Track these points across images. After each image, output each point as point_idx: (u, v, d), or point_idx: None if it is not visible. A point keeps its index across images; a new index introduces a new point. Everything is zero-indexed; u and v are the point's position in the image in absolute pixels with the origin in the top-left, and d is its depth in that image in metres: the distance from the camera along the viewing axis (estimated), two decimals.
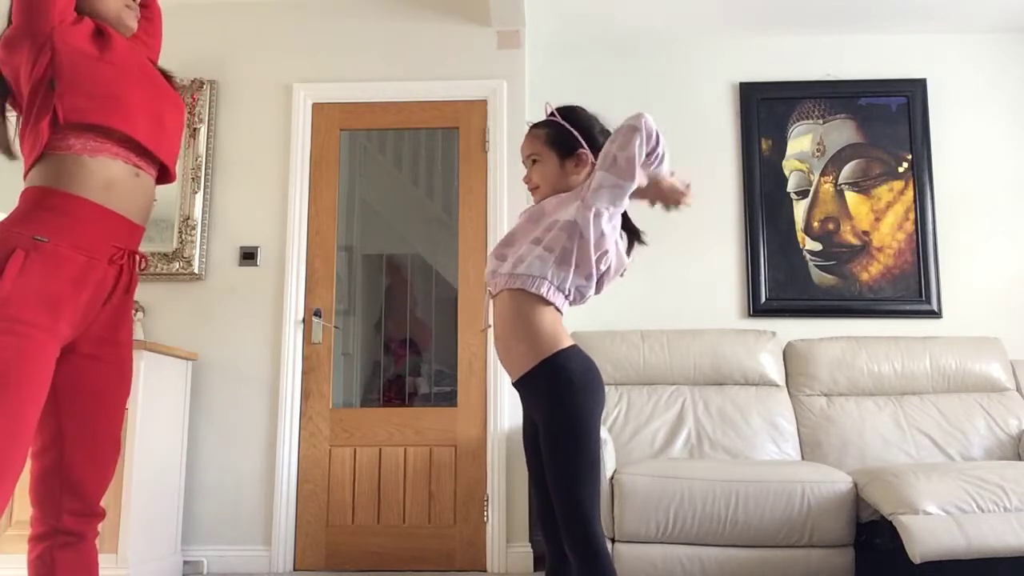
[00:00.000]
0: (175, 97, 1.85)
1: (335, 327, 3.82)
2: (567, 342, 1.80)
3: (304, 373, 3.76)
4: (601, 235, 1.77)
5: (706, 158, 4.16)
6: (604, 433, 3.06)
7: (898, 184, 4.10)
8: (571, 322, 1.87)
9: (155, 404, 3.35)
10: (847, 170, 4.13)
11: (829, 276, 4.06)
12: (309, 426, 3.72)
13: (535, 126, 1.96)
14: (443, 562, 3.59)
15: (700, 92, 4.24)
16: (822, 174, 4.13)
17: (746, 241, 4.09)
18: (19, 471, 1.50)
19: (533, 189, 1.94)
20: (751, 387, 3.73)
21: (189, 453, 3.65)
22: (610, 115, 1.98)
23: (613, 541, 2.97)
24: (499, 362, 2.02)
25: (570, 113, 1.93)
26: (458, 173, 3.90)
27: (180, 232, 3.83)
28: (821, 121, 4.18)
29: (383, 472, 3.67)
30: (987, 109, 4.17)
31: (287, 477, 3.65)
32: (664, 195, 1.89)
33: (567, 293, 1.81)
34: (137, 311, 3.67)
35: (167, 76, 1.87)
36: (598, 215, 1.76)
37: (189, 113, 3.86)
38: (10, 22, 1.68)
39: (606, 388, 3.36)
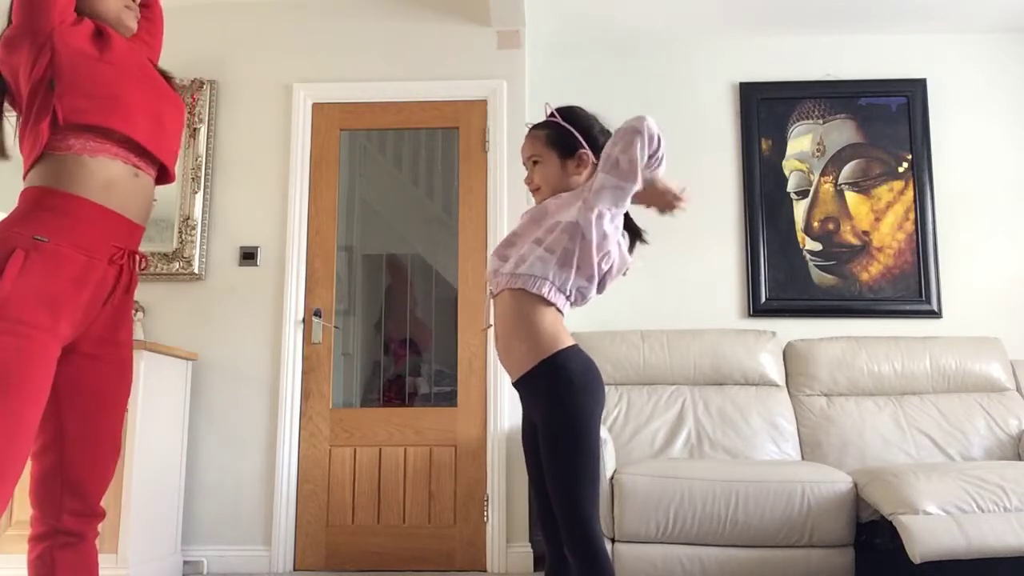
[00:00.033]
0: (175, 98, 1.85)
1: (335, 327, 3.82)
2: (568, 342, 1.80)
3: (304, 373, 3.76)
4: (604, 236, 1.78)
5: (706, 158, 4.16)
6: (604, 433, 3.06)
7: (898, 184, 4.10)
8: (571, 322, 1.87)
9: (155, 404, 3.35)
10: (847, 170, 4.13)
11: (829, 276, 4.06)
12: (309, 426, 3.72)
13: (535, 127, 1.96)
14: (443, 562, 3.60)
15: (700, 92, 4.24)
16: (822, 174, 4.13)
17: (746, 241, 4.09)
18: (20, 472, 1.50)
19: (534, 190, 1.94)
20: (751, 387, 3.73)
21: (189, 453, 3.65)
22: (610, 115, 1.98)
23: (613, 541, 2.97)
24: (499, 362, 2.02)
25: (570, 113, 1.93)
26: (458, 173, 3.90)
27: (180, 232, 3.83)
28: (821, 121, 4.18)
29: (383, 472, 3.67)
30: (987, 109, 4.17)
31: (287, 477, 3.65)
32: (658, 198, 1.89)
33: (568, 294, 1.81)
34: (137, 311, 3.67)
35: (167, 77, 1.87)
36: (600, 216, 1.76)
37: (189, 113, 3.86)
38: (10, 22, 1.68)
39: (606, 388, 3.36)
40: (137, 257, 1.73)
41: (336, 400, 3.78)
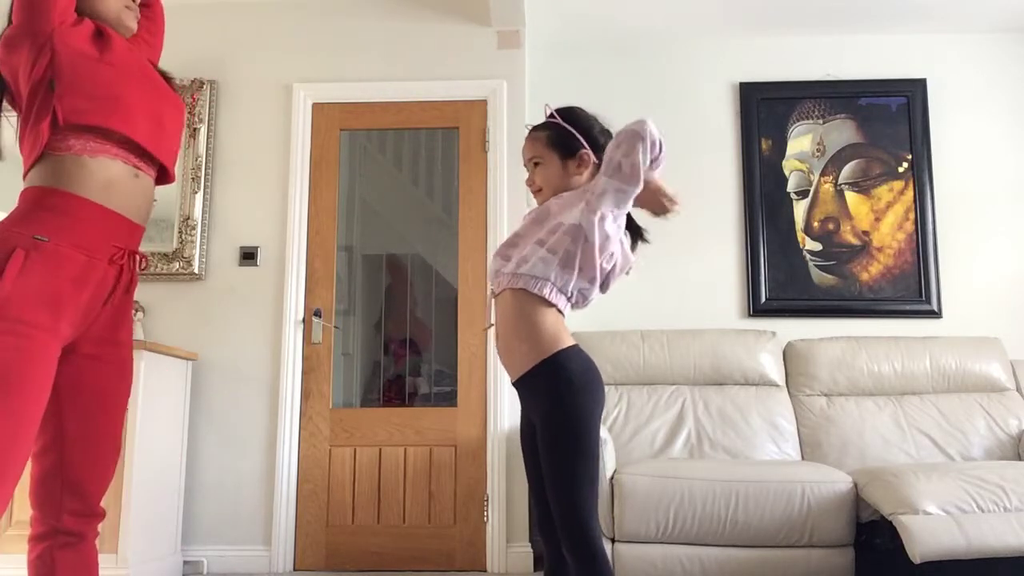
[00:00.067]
0: (175, 98, 1.85)
1: (335, 327, 3.82)
2: (568, 342, 1.80)
3: (304, 373, 3.76)
4: (606, 238, 1.78)
5: (706, 158, 4.16)
6: (604, 433, 3.06)
7: (898, 184, 4.10)
8: (571, 322, 1.87)
9: (155, 404, 3.35)
10: (847, 170, 4.13)
11: (829, 276, 4.06)
12: (309, 426, 3.72)
13: (535, 128, 1.96)
14: (443, 562, 3.60)
15: (700, 92, 4.24)
16: (822, 174, 4.13)
17: (746, 241, 4.09)
18: (20, 472, 1.50)
19: (536, 192, 1.95)
20: (751, 387, 3.73)
21: (189, 453, 3.65)
22: (610, 115, 1.98)
23: (613, 541, 2.97)
24: (499, 362, 2.02)
25: (570, 114, 1.93)
26: (458, 173, 3.90)
27: (180, 232, 3.83)
28: (821, 121, 4.18)
29: (383, 472, 3.67)
30: (987, 109, 4.17)
31: (287, 477, 3.65)
32: (651, 198, 1.87)
33: (569, 295, 1.82)
34: (137, 311, 3.67)
35: (167, 77, 1.87)
36: (603, 219, 1.76)
37: (189, 113, 3.86)
38: (10, 22, 1.68)
39: (606, 388, 3.36)
40: (137, 257, 1.73)
41: (336, 400, 3.78)
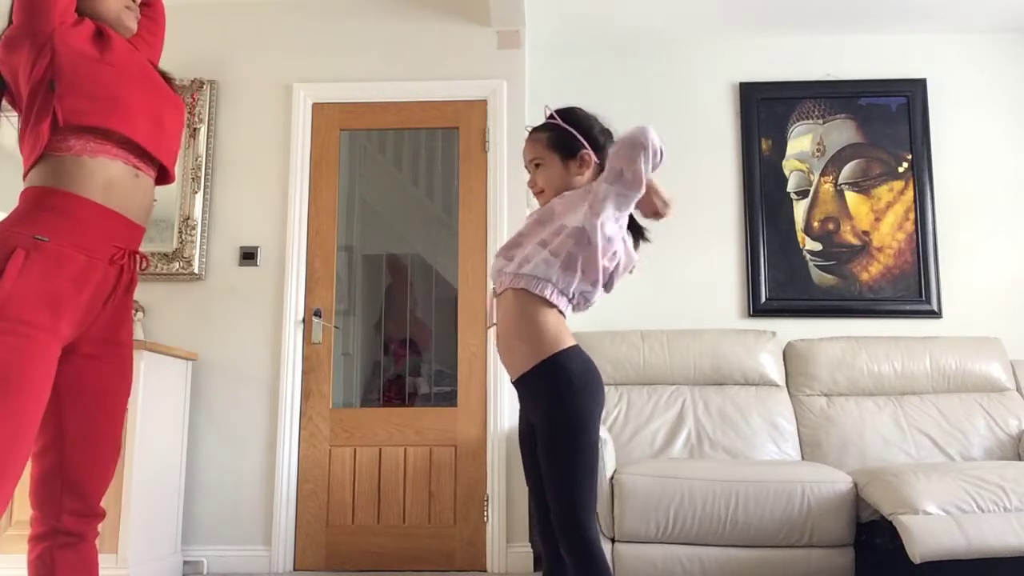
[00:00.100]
0: (175, 99, 1.85)
1: (335, 327, 3.82)
2: (569, 342, 1.80)
3: (304, 373, 3.76)
4: (609, 240, 1.78)
5: (706, 158, 4.16)
6: (604, 433, 3.06)
7: (898, 184, 4.10)
8: (571, 322, 1.87)
9: (155, 404, 3.35)
10: (847, 170, 4.13)
11: (829, 276, 4.06)
12: (309, 426, 3.72)
13: (535, 130, 1.96)
14: (443, 562, 3.60)
15: (700, 92, 4.24)
16: (822, 174, 4.13)
17: (746, 241, 4.09)
18: (20, 472, 1.50)
19: (538, 193, 1.94)
20: (751, 387, 3.73)
21: (189, 453, 3.65)
22: (610, 115, 1.98)
23: (613, 541, 2.97)
24: (499, 362, 2.02)
25: (570, 115, 1.93)
26: (458, 173, 3.90)
27: (180, 232, 3.83)
28: (821, 121, 4.18)
29: (383, 472, 3.67)
30: (987, 109, 4.17)
31: (287, 477, 3.65)
32: (646, 199, 1.86)
33: (571, 297, 1.82)
34: (137, 311, 3.67)
35: (167, 78, 1.87)
36: (605, 223, 1.76)
37: (189, 113, 3.86)
38: (10, 22, 1.68)
39: (606, 388, 3.36)
40: (138, 257, 1.73)
41: (336, 400, 3.78)
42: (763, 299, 4.04)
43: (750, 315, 4.03)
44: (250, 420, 3.72)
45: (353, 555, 3.61)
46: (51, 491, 1.63)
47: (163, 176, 1.82)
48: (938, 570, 2.63)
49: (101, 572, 1.73)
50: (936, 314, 3.99)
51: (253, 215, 3.88)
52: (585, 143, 1.89)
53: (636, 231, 1.96)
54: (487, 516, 3.60)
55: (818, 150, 4.15)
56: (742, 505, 2.91)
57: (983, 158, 4.13)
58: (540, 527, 1.87)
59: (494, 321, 1.90)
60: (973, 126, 4.16)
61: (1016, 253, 4.06)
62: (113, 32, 1.76)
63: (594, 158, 1.89)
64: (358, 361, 3.97)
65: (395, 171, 4.16)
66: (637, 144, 1.72)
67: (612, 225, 1.78)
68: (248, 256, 3.84)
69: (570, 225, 1.78)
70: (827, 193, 4.12)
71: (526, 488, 3.49)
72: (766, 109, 4.19)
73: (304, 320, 3.78)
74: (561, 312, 1.82)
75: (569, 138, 1.89)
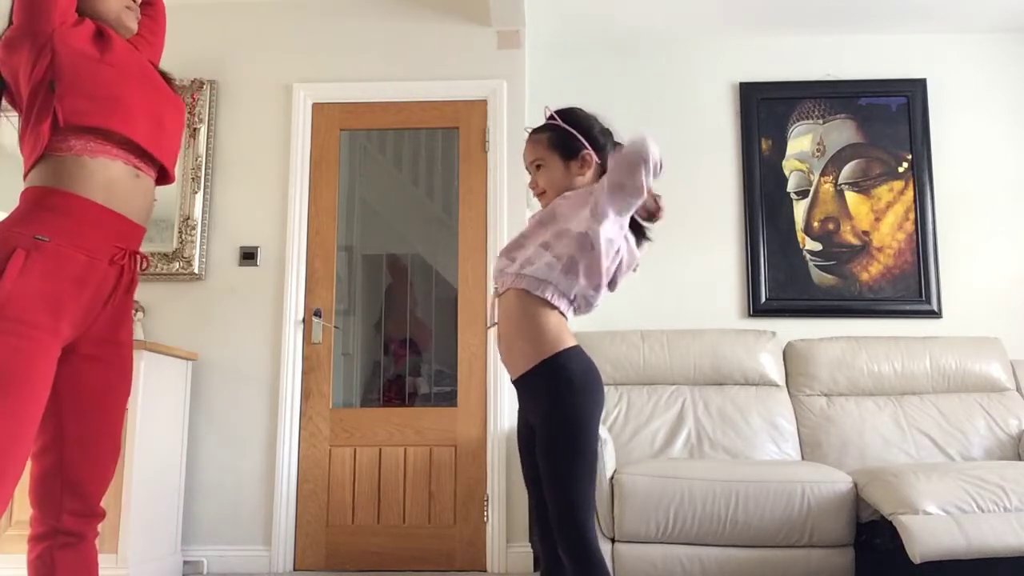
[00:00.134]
0: (175, 99, 1.85)
1: (335, 327, 3.82)
2: (570, 343, 1.80)
3: (304, 373, 3.76)
4: (610, 242, 1.78)
5: (706, 158, 4.16)
6: (604, 433, 3.06)
7: (898, 184, 4.10)
8: (571, 322, 1.87)
9: (155, 404, 3.35)
10: (847, 170, 4.13)
11: (829, 276, 4.06)
12: (309, 426, 3.72)
13: (535, 131, 1.95)
14: (443, 562, 3.60)
15: (700, 92, 4.24)
16: (822, 174, 4.13)
17: (746, 241, 4.09)
18: (20, 472, 1.50)
19: (539, 195, 1.94)
20: (751, 387, 3.73)
21: (189, 453, 3.65)
22: (610, 115, 1.98)
23: (613, 541, 2.97)
24: (499, 362, 2.02)
25: (570, 115, 1.93)
26: (458, 173, 3.90)
27: (180, 232, 3.83)
28: (821, 121, 4.18)
29: (383, 472, 3.67)
30: (987, 109, 4.17)
31: (287, 477, 3.65)
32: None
33: (572, 299, 1.81)
34: (137, 311, 3.67)
35: (167, 78, 1.87)
36: (607, 227, 1.76)
37: (189, 113, 3.86)
38: (10, 22, 1.68)
39: (606, 388, 3.36)
40: (138, 257, 1.73)
41: (336, 400, 3.78)
42: (763, 299, 4.04)
43: (750, 315, 4.03)
44: (250, 420, 3.72)
45: (353, 555, 3.61)
46: (51, 491, 1.63)
47: (163, 176, 1.82)
48: (938, 570, 2.63)
49: (101, 572, 1.73)
50: (936, 314, 3.99)
51: (253, 215, 3.88)
52: (586, 143, 1.88)
53: (638, 230, 1.96)
54: (487, 516, 3.60)
55: (818, 150, 4.15)
56: (742, 505, 2.91)
57: (983, 158, 4.13)
58: (538, 527, 1.87)
59: (495, 321, 1.90)
60: (973, 126, 4.16)
61: (1016, 253, 4.06)
62: (113, 32, 1.76)
63: (595, 158, 1.88)
64: (358, 361, 3.97)
65: (395, 171, 4.16)
66: (638, 160, 1.71)
67: (614, 227, 1.78)
68: (248, 256, 3.84)
69: (573, 230, 1.77)
70: (827, 193, 4.12)
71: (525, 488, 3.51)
72: (766, 109, 4.19)
73: (304, 320, 3.78)
74: (562, 313, 1.82)
75: (570, 138, 1.89)
